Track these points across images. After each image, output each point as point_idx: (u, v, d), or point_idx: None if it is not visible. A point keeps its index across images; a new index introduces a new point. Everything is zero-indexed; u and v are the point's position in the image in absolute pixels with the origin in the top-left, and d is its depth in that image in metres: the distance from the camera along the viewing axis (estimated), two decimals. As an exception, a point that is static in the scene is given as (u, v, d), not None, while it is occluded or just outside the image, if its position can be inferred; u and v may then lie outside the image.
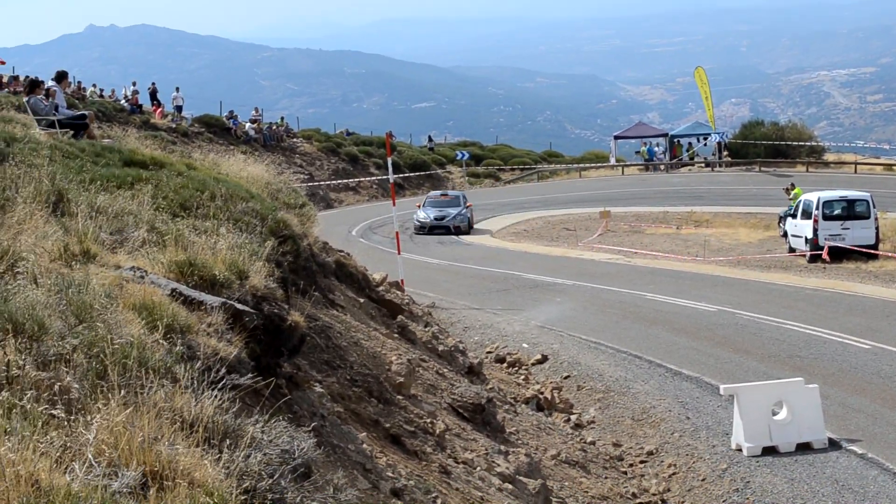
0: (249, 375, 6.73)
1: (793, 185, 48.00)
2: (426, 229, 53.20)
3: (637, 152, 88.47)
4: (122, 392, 5.04)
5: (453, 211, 54.02)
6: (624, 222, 52.72)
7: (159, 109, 68.72)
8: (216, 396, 5.46)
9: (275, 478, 5.13)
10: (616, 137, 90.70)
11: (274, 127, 77.26)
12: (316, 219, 17.95)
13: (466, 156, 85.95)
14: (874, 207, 37.72)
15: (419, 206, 55.69)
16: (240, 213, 11.35)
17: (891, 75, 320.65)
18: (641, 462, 16.03)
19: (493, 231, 54.17)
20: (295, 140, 78.22)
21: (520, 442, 14.41)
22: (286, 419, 6.36)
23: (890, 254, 36.15)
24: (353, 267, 19.61)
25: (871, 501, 13.65)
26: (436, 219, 53.51)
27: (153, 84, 71.46)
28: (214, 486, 4.54)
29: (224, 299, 7.74)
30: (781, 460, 15.48)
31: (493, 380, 18.81)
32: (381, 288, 20.69)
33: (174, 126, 65.53)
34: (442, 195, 57.68)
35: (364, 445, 8.97)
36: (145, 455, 4.59)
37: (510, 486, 11.25)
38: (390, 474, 8.72)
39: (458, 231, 52.97)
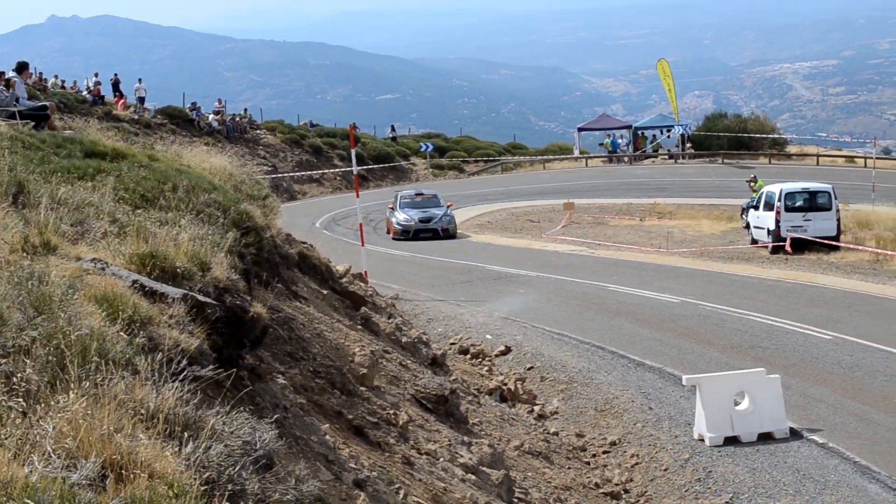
0: (211, 367, 6.72)
1: (755, 177, 48.31)
2: (411, 233, 47.11)
3: (601, 144, 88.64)
4: (82, 384, 5.02)
5: (438, 212, 48.39)
6: (588, 214, 52.89)
7: (122, 101, 68.33)
8: (177, 388, 5.45)
9: (236, 469, 5.12)
10: (580, 129, 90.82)
11: (237, 118, 76.94)
12: (279, 210, 17.92)
13: (430, 147, 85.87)
14: (836, 199, 38.04)
15: (392, 208, 49.46)
16: (202, 205, 11.31)
17: (853, 68, 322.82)
18: (604, 452, 16.10)
19: (457, 223, 54.10)
20: (258, 132, 77.92)
21: (483, 433, 14.44)
22: (248, 411, 6.35)
23: (851, 245, 36.41)
24: (317, 259, 19.58)
25: (831, 490, 13.75)
26: (421, 221, 47.49)
27: (115, 75, 71.06)
28: (174, 478, 4.53)
29: (186, 291, 7.71)
30: (743, 450, 15.57)
31: (457, 371, 18.85)
32: (344, 279, 20.67)
33: (136, 117, 65.14)
34: (417, 194, 51.00)
35: (327, 437, 8.97)
36: (105, 447, 4.58)
37: (473, 477, 11.28)
38: (353, 465, 8.72)
39: (447, 234, 47.73)
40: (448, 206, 49.67)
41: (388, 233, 49.03)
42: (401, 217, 48.20)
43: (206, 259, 8.69)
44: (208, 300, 7.91)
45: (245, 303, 8.81)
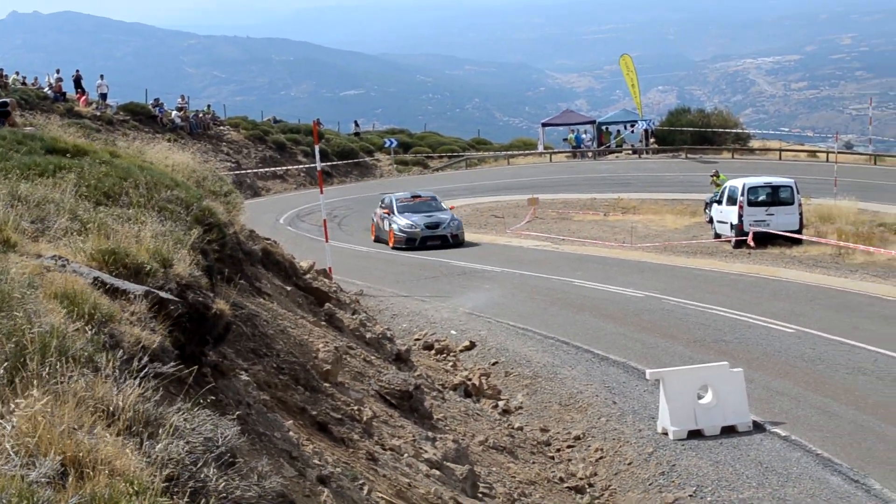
0: (173, 364, 6.70)
1: (717, 172, 48.52)
2: (417, 241, 40.89)
3: (565, 139, 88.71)
4: (43, 381, 5.00)
5: (444, 216, 42.06)
6: (552, 209, 52.96)
7: (83, 97, 67.84)
8: (138, 385, 5.44)
9: (198, 466, 5.12)
10: (544, 125, 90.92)
11: (200, 115, 76.56)
12: (242, 207, 17.89)
13: (395, 143, 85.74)
14: (798, 193, 38.33)
15: (387, 213, 42.59)
16: (164, 202, 11.28)
17: (815, 63, 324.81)
18: (569, 447, 16.14)
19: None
20: (222, 128, 77.55)
21: (448, 428, 14.46)
22: (211, 407, 6.35)
23: (814, 239, 36.65)
24: (280, 255, 19.55)
25: (794, 483, 13.83)
26: (428, 227, 41.10)
27: (77, 71, 70.53)
28: (135, 475, 4.52)
29: (148, 288, 7.69)
30: (707, 443, 15.64)
31: (421, 367, 18.86)
32: (308, 276, 20.65)
33: (99, 114, 64.67)
34: (413, 196, 44.26)
35: (290, 433, 8.96)
36: (65, 444, 4.56)
37: (438, 473, 11.29)
38: (317, 462, 8.72)
39: (456, 241, 41.33)
40: (451, 210, 44.20)
41: (378, 240, 43.43)
42: (402, 223, 41.34)
43: (169, 256, 8.67)
44: (170, 297, 7.89)
45: (208, 299, 8.79)
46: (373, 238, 44.08)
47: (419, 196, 44.36)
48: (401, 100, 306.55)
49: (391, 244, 41.36)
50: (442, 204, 44.13)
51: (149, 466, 4.69)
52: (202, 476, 5.08)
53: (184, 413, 5.54)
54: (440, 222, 41.55)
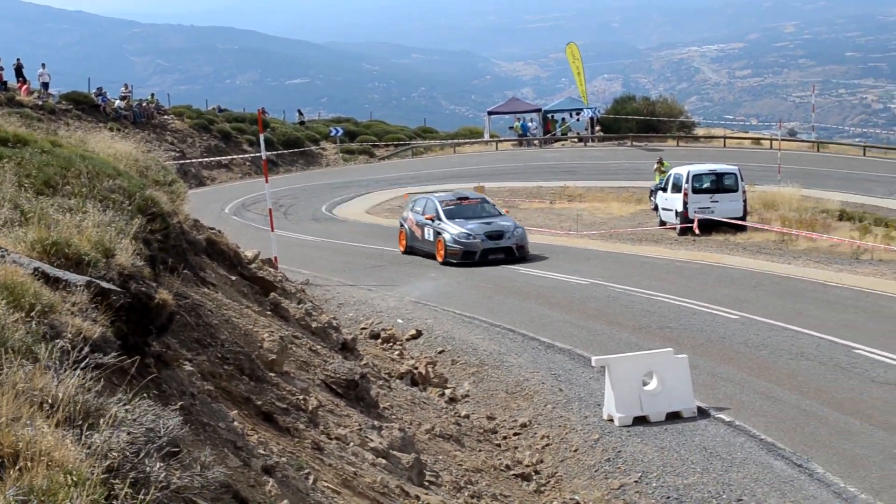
0: (114, 354, 6.64)
1: (661, 160, 48.81)
2: (477, 255, 32.50)
3: (510, 128, 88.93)
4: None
5: (506, 223, 33.68)
6: (498, 197, 52.83)
7: (25, 86, 67.17)
8: (79, 376, 5.39)
9: (139, 456, 5.08)
10: (490, 113, 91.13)
11: (144, 104, 76.02)
12: (186, 196, 17.76)
13: (340, 132, 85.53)
14: (742, 180, 38.65)
15: (430, 219, 34.30)
16: (107, 191, 11.17)
17: (759, 51, 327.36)
18: (515, 434, 16.19)
19: (367, 207, 53.97)
20: (166, 117, 77.03)
21: (394, 417, 14.46)
22: (154, 398, 6.31)
23: (757, 225, 36.95)
24: (225, 244, 19.45)
25: (738, 468, 13.95)
26: (489, 237, 32.82)
27: (18, 60, 69.76)
28: (74, 466, 4.48)
29: (89, 278, 7.62)
30: (652, 429, 15.74)
31: (368, 356, 18.84)
32: (253, 265, 20.56)
33: (40, 103, 64.07)
34: (460, 199, 35.86)
35: (235, 423, 8.92)
36: (3, 436, 4.52)
37: (384, 461, 11.29)
38: (262, 451, 8.69)
39: (522, 254, 33.05)
40: (505, 213, 36.12)
41: (411, 251, 35.43)
42: (455, 231, 33.02)
43: (111, 246, 8.60)
44: (112, 287, 7.82)
45: (150, 289, 8.72)
46: (402, 249, 35.87)
47: (466, 198, 36.25)
48: (347, 88, 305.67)
49: (440, 257, 33.08)
50: (497, 207, 36.26)
51: (88, 458, 4.65)
52: (143, 467, 5.05)
53: (125, 403, 5.50)
54: (503, 231, 33.10)
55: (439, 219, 33.89)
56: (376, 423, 12.86)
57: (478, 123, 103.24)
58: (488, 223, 33.41)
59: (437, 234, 33.48)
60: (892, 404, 16.63)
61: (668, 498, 13.06)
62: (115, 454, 4.90)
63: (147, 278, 9.08)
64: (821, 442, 14.97)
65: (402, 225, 36.40)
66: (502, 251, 32.75)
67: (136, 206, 11.29)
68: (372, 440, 11.87)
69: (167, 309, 8.81)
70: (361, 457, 11.00)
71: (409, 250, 35.39)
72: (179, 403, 7.31)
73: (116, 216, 9.82)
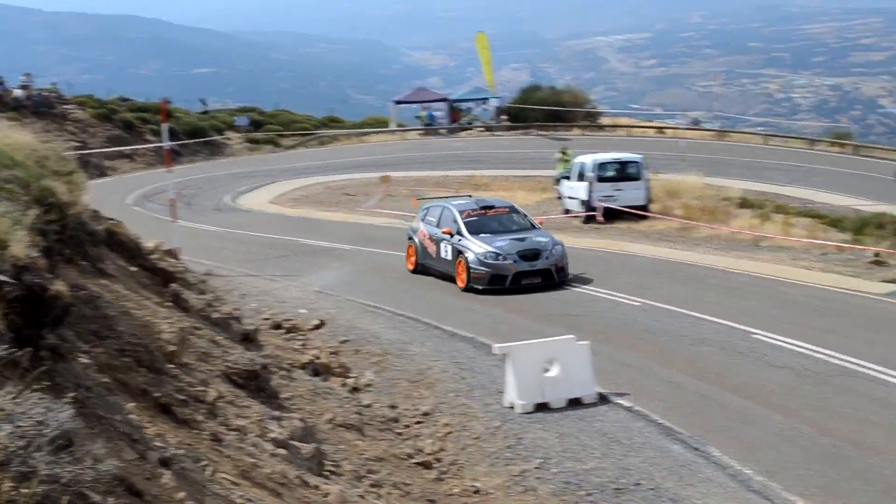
0: (6, 347, 6.61)
1: (564, 149, 49.21)
2: (509, 279, 26.26)
3: (417, 117, 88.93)
4: None
5: (543, 239, 27.32)
6: (404, 187, 53.08)
7: (-81, 75, 66.01)
8: (-34, 369, 5.36)
9: (27, 450, 5.06)
10: (396, 102, 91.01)
11: (45, 93, 74.88)
12: (86, 186, 17.56)
13: (246, 122, 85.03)
14: (645, 169, 39.11)
15: (448, 233, 27.78)
16: (2, 182, 11.05)
17: (665, 41, 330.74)
18: (417, 423, 16.23)
19: (272, 197, 53.67)
20: (67, 107, 75.91)
21: (295, 407, 14.44)
22: (48, 391, 6.27)
23: (659, 214, 37.45)
24: (125, 235, 19.24)
25: (637, 452, 14.15)
26: (523, 257, 26.46)
27: (-86, 48, 68.52)
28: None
29: (-20, 270, 7.56)
30: (553, 416, 15.89)
31: (270, 346, 18.77)
32: (154, 256, 20.36)
33: (-64, 92, 63.01)
34: (484, 208, 28.96)
35: (132, 416, 8.87)
36: None
37: (284, 452, 11.29)
38: (159, 444, 8.66)
39: (562, 276, 26.61)
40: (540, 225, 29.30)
41: (423, 270, 29.18)
42: (480, 250, 26.61)
43: (4, 237, 8.51)
44: (5, 279, 7.76)
45: (45, 281, 8.64)
46: (410, 267, 29.53)
47: (492, 207, 29.30)
48: (253, 78, 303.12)
49: (461, 282, 26.79)
50: (530, 218, 29.60)
51: (-27, 451, 4.63)
52: (32, 460, 5.03)
53: (14, 396, 5.47)
54: (539, 249, 26.80)
55: (460, 234, 27.60)
56: (277, 413, 12.85)
57: (385, 113, 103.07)
58: (521, 239, 27.18)
59: (458, 252, 27.10)
60: (788, 388, 17.00)
61: (568, 483, 13.21)
62: (2, 448, 4.88)
63: (42, 270, 9.00)
64: (718, 426, 15.25)
65: (410, 238, 29.83)
66: (539, 275, 26.41)
67: (32, 196, 11.18)
68: (272, 431, 11.86)
69: (62, 301, 8.74)
70: (261, 448, 10.99)
71: (421, 269, 29.11)
72: (72, 396, 7.26)
73: (11, 207, 9.72)
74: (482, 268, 26.26)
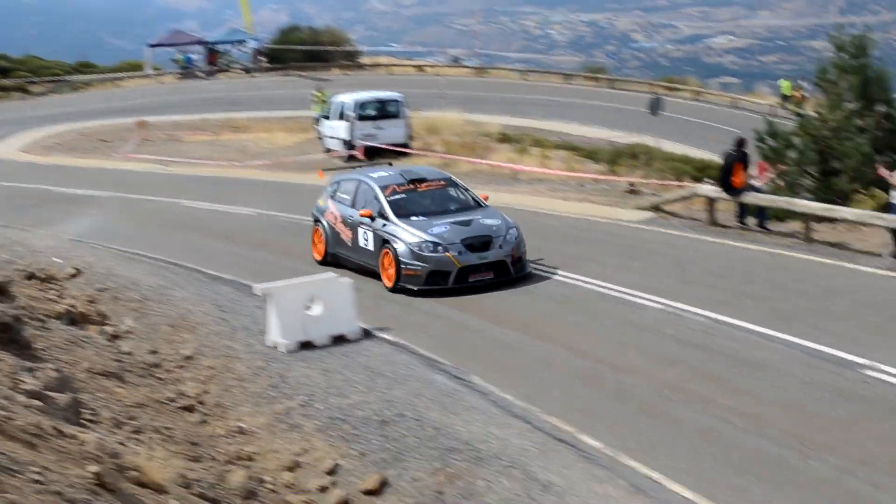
0: None
1: (320, 88, 49.11)
2: (451, 277, 19.82)
3: (174, 60, 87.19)
4: None
5: (492, 221, 20.85)
6: (161, 131, 52.06)
7: None
8: None
9: None
10: (151, 46, 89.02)
11: None
12: None
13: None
14: (405, 107, 39.44)
15: (367, 215, 21.10)
16: None
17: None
18: (179, 367, 15.93)
19: (22, 146, 51.78)
20: None
21: (50, 357, 13.98)
22: None
23: (420, 151, 37.76)
24: None
25: (401, 384, 14.25)
26: (469, 247, 20.04)
27: None
28: None
29: None
30: (317, 353, 15.85)
31: (23, 297, 18.13)
32: None
33: None
34: (412, 181, 21.98)
35: None
36: None
37: (38, 403, 10.93)
38: None
39: (520, 270, 20.39)
40: (486, 200, 22.34)
41: (333, 262, 22.20)
42: (412, 239, 20.22)
43: None
44: None
45: None
46: (318, 257, 22.89)
47: (423, 180, 22.31)
48: (0, 24, 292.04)
49: (388, 280, 20.38)
50: (470, 192, 22.68)
51: None
52: None
53: None
54: (490, 236, 20.46)
55: (384, 217, 20.99)
56: (30, 364, 12.42)
57: (141, 58, 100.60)
58: (465, 223, 20.72)
59: (383, 242, 20.69)
60: (546, 315, 17.45)
61: (333, 418, 13.21)
62: None
63: None
64: (480, 355, 15.56)
65: (317, 220, 23.25)
66: (490, 268, 20.16)
67: None
68: (25, 382, 11.47)
69: None
70: (13, 400, 10.60)
71: (332, 259, 22.41)
72: None
73: None
74: (416, 262, 19.94)
